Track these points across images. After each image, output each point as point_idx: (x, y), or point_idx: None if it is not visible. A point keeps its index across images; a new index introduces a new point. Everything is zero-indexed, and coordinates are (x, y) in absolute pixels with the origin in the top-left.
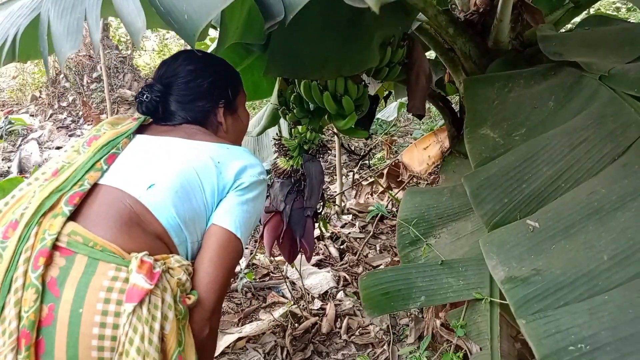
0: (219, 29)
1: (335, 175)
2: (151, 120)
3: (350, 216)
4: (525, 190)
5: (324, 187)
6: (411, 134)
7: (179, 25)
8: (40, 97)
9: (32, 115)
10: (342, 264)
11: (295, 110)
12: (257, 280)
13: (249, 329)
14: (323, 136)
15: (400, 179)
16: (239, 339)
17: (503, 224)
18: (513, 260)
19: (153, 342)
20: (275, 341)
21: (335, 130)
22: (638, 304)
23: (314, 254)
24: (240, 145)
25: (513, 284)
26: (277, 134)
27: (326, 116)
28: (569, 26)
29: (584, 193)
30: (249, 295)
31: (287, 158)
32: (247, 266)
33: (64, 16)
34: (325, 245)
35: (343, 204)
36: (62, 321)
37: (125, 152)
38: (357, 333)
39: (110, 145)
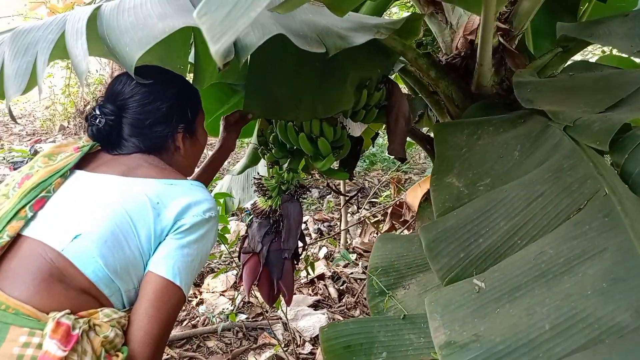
0: (193, 72)
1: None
2: (99, 147)
3: (355, 255)
4: (482, 245)
5: (311, 227)
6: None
7: (120, 56)
8: (67, 126)
9: None
10: (340, 306)
11: (273, 150)
12: (250, 319)
13: None
14: (308, 176)
15: (403, 218)
16: None
17: (459, 280)
18: (456, 323)
19: None
20: None
21: None
22: None
23: (313, 294)
24: (195, 164)
25: (450, 350)
26: (257, 173)
27: (308, 157)
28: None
29: (533, 253)
30: (240, 335)
31: (266, 198)
32: (242, 304)
33: (16, 58)
34: (325, 285)
35: (348, 243)
36: None
37: (56, 195)
38: None
39: (40, 188)
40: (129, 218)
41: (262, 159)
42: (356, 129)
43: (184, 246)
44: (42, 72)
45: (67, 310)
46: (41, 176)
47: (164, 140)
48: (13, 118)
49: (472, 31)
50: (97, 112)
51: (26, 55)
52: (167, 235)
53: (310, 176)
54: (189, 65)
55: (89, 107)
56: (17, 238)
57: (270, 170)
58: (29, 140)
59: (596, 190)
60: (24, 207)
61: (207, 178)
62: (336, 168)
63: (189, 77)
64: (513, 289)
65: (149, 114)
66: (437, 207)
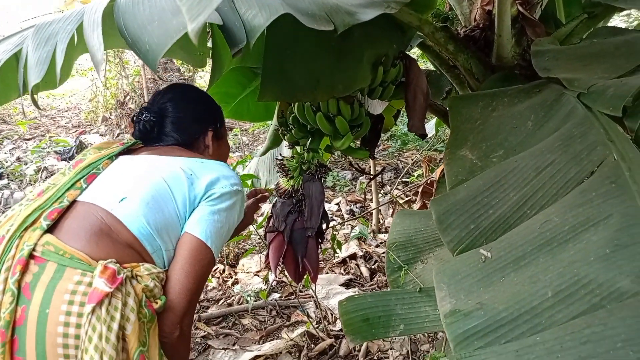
0: (211, 57)
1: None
2: (141, 145)
3: (387, 235)
4: (492, 216)
5: (325, 207)
6: None
7: (143, 54)
8: (110, 118)
9: (102, 135)
10: (371, 285)
11: (293, 131)
12: (283, 298)
13: (267, 347)
14: (340, 158)
15: (434, 197)
16: (256, 357)
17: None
18: (462, 292)
19: (110, 340)
20: None
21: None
22: (567, 347)
23: (345, 273)
24: None
25: (454, 319)
26: (280, 154)
27: (329, 136)
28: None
29: (539, 222)
30: (274, 313)
31: (288, 178)
32: (276, 284)
33: (38, 49)
34: (357, 264)
35: (380, 223)
36: (31, 321)
37: (104, 172)
38: (375, 357)
39: (91, 167)
40: (167, 185)
41: (284, 140)
42: (377, 107)
43: (215, 212)
44: (60, 60)
45: (114, 260)
46: (92, 159)
47: (197, 137)
48: (36, 105)
49: (490, 1)
50: (144, 111)
51: (47, 45)
52: (199, 202)
53: (342, 158)
54: (208, 51)
55: (128, 97)
56: (73, 203)
57: (292, 150)
58: (75, 132)
59: (605, 157)
60: (79, 180)
61: None
62: (357, 146)
63: (209, 63)
64: (518, 257)
65: (187, 113)
66: (450, 181)
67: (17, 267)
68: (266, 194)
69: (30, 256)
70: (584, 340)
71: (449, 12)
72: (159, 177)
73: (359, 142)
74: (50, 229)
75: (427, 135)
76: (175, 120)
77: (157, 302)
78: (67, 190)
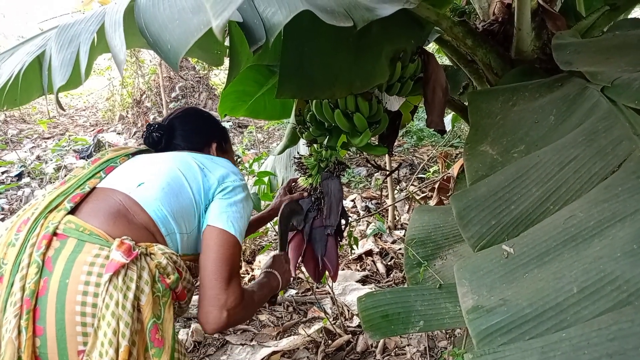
0: (229, 56)
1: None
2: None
3: (403, 231)
4: (514, 212)
5: (344, 204)
6: None
7: (164, 54)
8: (126, 116)
9: (119, 133)
10: (388, 281)
11: (311, 129)
12: (300, 294)
13: (284, 343)
14: (355, 155)
15: (451, 193)
16: (274, 352)
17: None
18: (484, 288)
19: (126, 308)
20: (308, 357)
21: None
22: (594, 344)
23: (361, 269)
24: None
25: (477, 315)
26: (297, 152)
27: (346, 133)
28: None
29: (563, 217)
30: (291, 309)
31: (307, 176)
32: (292, 280)
33: (61, 51)
34: (373, 261)
35: (396, 219)
36: (52, 291)
37: (122, 165)
38: (392, 354)
39: (110, 162)
40: (182, 174)
41: (302, 138)
42: (394, 103)
43: (232, 204)
44: (84, 62)
45: (129, 237)
46: (110, 156)
47: (202, 148)
48: (61, 107)
49: None
50: (154, 124)
51: (70, 47)
52: (213, 195)
53: (358, 154)
54: (225, 49)
55: (144, 96)
56: (93, 189)
57: (309, 148)
58: (92, 130)
59: (631, 152)
60: (98, 171)
61: (250, 230)
62: (375, 143)
63: (226, 62)
64: (542, 253)
65: (194, 127)
66: (470, 176)
67: (43, 242)
68: (304, 193)
69: (53, 234)
70: (611, 337)
71: (467, 7)
72: (174, 166)
73: (376, 139)
74: (72, 212)
75: (446, 131)
76: (182, 132)
77: (169, 278)
78: (87, 179)
